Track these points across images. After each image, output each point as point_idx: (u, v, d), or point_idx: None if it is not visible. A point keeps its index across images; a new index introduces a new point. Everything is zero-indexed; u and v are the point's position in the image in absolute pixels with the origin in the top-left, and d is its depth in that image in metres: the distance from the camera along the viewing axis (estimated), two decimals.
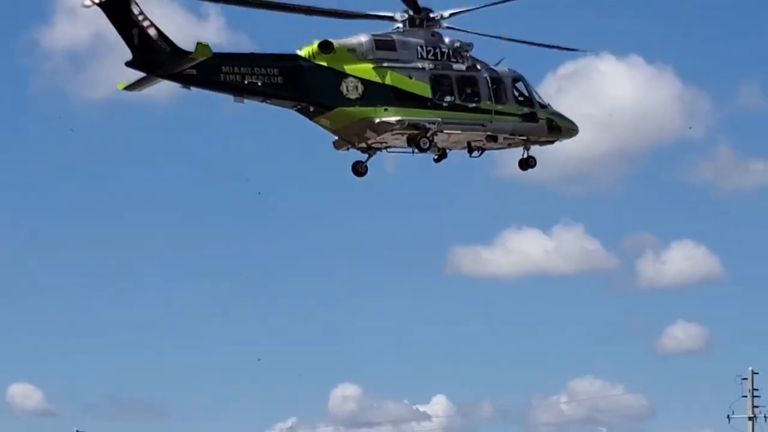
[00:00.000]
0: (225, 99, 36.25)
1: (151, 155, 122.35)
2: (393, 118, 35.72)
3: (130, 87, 35.67)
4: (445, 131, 36.38)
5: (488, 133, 37.14)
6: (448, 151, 38.14)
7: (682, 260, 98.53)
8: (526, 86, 38.40)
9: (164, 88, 36.78)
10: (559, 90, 59.68)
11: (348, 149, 37.45)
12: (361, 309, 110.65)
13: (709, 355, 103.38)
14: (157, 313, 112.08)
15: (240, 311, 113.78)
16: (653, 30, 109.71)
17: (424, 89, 36.34)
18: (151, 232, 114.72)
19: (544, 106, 38.47)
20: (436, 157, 38.29)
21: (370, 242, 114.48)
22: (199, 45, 33.64)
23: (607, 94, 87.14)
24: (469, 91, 36.98)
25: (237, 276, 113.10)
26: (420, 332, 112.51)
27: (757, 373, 77.16)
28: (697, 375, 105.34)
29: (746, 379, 77.02)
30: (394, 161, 40.66)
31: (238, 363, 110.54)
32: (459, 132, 36.72)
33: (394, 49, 36.52)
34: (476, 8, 36.95)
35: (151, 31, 33.98)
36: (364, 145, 37.04)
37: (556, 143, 39.34)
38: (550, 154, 41.04)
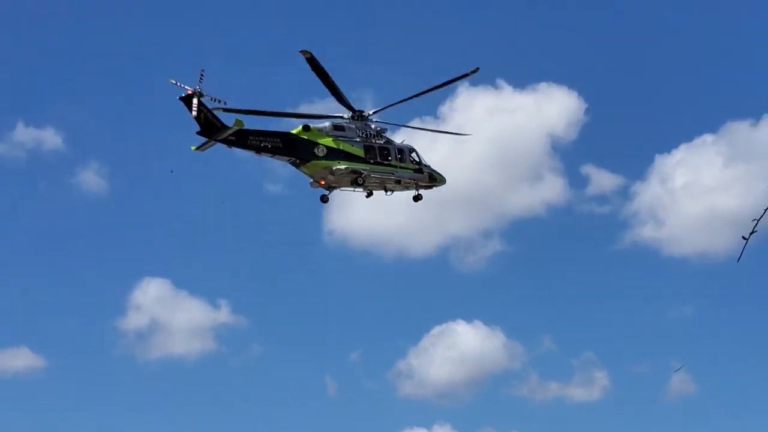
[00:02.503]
0: None
1: None
2: (343, 166, 63.79)
3: (199, 148, 62.57)
4: (372, 175, 64.59)
5: (395, 178, 65.50)
6: (374, 191, 66.20)
7: None
8: (417, 154, 67.10)
9: None
10: None
11: (318, 187, 65.21)
12: None
13: None
14: None
15: None
16: None
17: (360, 152, 64.58)
18: None
19: (426, 165, 67.23)
20: (366, 194, 66.35)
21: None
22: (237, 120, 60.87)
23: None
24: (384, 154, 65.53)
25: None
26: None
27: None
28: None
29: None
30: None
31: None
32: (379, 176, 64.94)
33: (344, 130, 64.84)
34: (388, 106, 65.53)
35: (210, 115, 61.03)
36: (326, 184, 64.90)
37: (434, 188, 67.88)
38: None
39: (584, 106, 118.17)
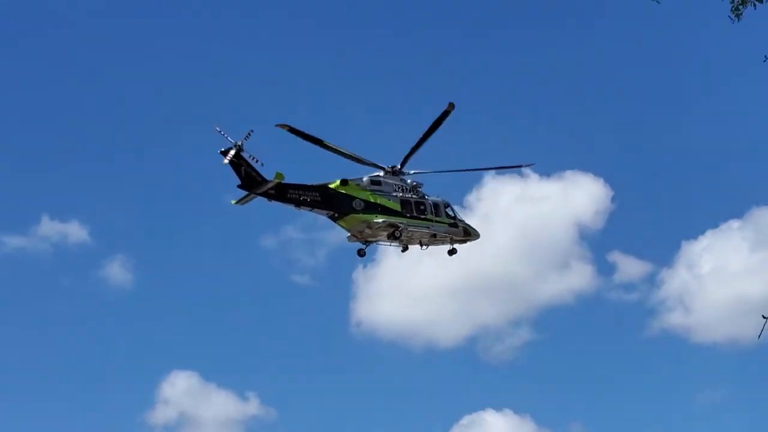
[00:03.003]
0: None
1: None
2: (380, 220, 64.96)
3: (239, 202, 63.78)
4: (408, 228, 65.73)
5: (431, 232, 66.64)
6: (409, 245, 67.33)
7: None
8: (452, 208, 68.35)
9: None
10: None
11: (355, 241, 66.30)
12: None
13: None
14: None
15: None
16: None
17: (396, 206, 65.84)
18: None
19: (461, 220, 68.42)
20: (402, 249, 67.42)
21: None
22: (278, 173, 62.06)
23: None
24: (421, 208, 66.74)
25: None
26: None
27: None
28: None
29: None
30: None
31: None
32: (415, 229, 66.08)
33: (380, 185, 66.17)
34: (425, 172, 67.09)
35: (250, 170, 62.32)
36: (363, 238, 65.98)
37: (468, 243, 69.02)
38: None
39: (611, 193, 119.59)
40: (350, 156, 64.95)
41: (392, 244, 66.72)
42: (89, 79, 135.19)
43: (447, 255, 68.58)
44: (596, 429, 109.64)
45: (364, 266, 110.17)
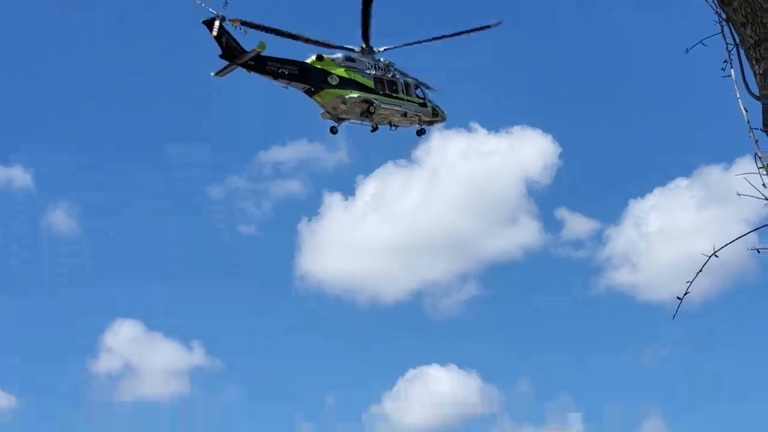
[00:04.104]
0: None
1: None
2: (355, 95, 66.66)
3: (218, 73, 64.92)
4: (381, 106, 67.56)
5: (402, 110, 68.58)
6: (379, 125, 69.16)
7: None
8: (422, 89, 70.35)
9: None
10: None
11: (328, 118, 67.96)
12: None
13: None
14: None
15: None
16: None
17: (370, 83, 67.58)
18: None
19: (430, 101, 70.50)
20: (371, 128, 69.28)
21: None
22: (261, 42, 62.91)
23: None
24: (393, 87, 68.59)
25: None
26: None
27: None
28: None
29: None
30: None
31: None
32: (387, 107, 67.94)
33: (355, 62, 67.84)
34: (399, 46, 68.88)
35: (231, 40, 63.50)
36: (336, 115, 67.69)
37: (435, 125, 71.12)
38: None
39: (559, 149, 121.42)
40: (315, 42, 66.37)
41: (363, 122, 68.49)
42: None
43: (416, 135, 70.64)
44: (542, 385, 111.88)
45: (309, 219, 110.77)
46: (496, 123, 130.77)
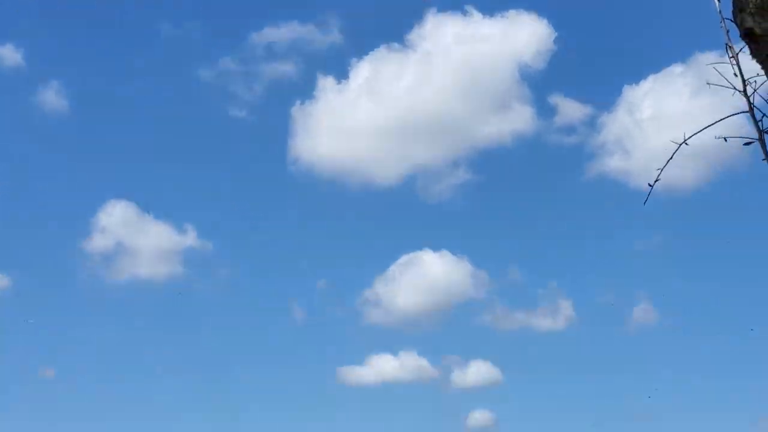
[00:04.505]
0: None
1: None
2: None
3: None
4: None
5: None
6: None
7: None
8: None
9: None
10: None
11: None
12: None
13: None
14: None
15: None
16: None
17: None
18: None
19: None
20: None
21: None
22: None
23: None
24: None
25: None
26: None
27: None
28: None
29: None
30: None
31: None
32: None
33: None
34: None
35: None
36: None
37: None
38: None
39: (554, 34, 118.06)
40: None
41: None
42: None
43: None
44: (531, 271, 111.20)
45: (302, 102, 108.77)
46: (491, 6, 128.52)
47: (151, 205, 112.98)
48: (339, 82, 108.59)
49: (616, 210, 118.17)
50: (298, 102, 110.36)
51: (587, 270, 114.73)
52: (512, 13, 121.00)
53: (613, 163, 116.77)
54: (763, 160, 7.97)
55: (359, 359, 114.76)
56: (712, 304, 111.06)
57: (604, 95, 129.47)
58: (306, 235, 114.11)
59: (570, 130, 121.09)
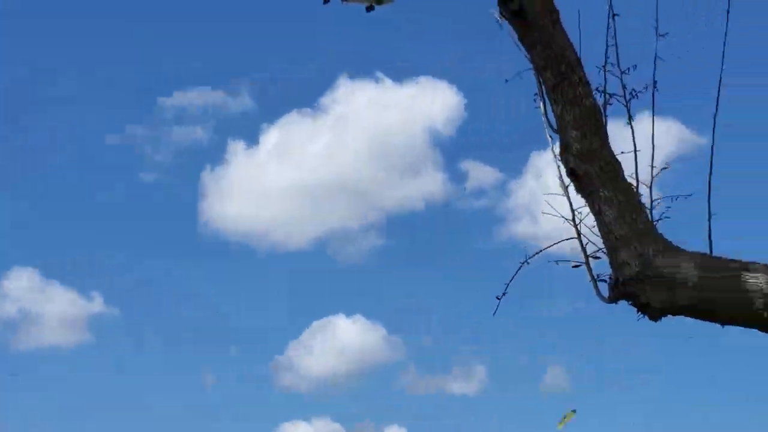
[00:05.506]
0: None
1: None
2: None
3: None
4: None
5: None
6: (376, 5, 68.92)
7: None
8: None
9: None
10: None
11: None
12: None
13: None
14: None
15: None
16: None
17: None
18: None
19: None
20: (367, 6, 69.06)
21: None
22: None
23: None
24: None
25: None
26: None
27: None
28: None
29: None
30: None
31: None
32: None
33: None
34: None
35: None
36: None
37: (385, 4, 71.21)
38: None
39: (464, 101, 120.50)
40: None
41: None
42: None
43: (365, 12, 70.43)
44: (445, 336, 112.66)
45: (212, 167, 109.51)
46: (402, 73, 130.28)
47: (57, 271, 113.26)
48: (249, 147, 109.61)
49: (526, 275, 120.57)
50: (208, 166, 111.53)
51: (501, 334, 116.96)
52: (423, 79, 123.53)
53: (521, 228, 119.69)
54: (589, 281, 8.55)
55: (271, 427, 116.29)
56: (621, 369, 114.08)
57: (512, 161, 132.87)
58: (217, 301, 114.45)
59: (480, 194, 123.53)
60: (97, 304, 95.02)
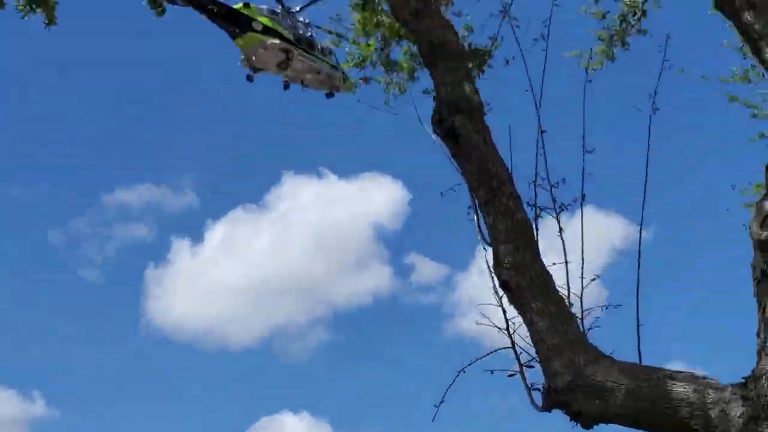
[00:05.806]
0: None
1: None
2: (276, 41, 67.08)
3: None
4: (299, 58, 68.04)
5: (317, 68, 69.18)
6: (291, 83, 69.53)
7: None
8: (335, 57, 70.92)
9: None
10: None
11: (246, 66, 68.14)
12: None
13: None
14: None
15: None
16: None
17: (290, 37, 68.05)
18: None
19: (341, 68, 71.11)
20: (284, 85, 69.64)
21: None
22: None
23: None
24: (311, 45, 69.11)
25: None
26: None
27: None
28: None
29: None
30: None
31: None
32: (304, 61, 68.50)
33: (278, 16, 68.16)
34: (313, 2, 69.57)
35: None
36: (254, 64, 67.91)
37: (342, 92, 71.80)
38: None
39: (408, 196, 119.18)
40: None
41: (279, 73, 68.59)
42: None
43: (325, 98, 70.85)
44: (392, 430, 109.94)
45: (156, 265, 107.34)
46: (346, 169, 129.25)
47: None
48: (194, 244, 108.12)
49: (473, 370, 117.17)
50: (151, 264, 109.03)
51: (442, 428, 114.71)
52: (367, 175, 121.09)
53: (467, 324, 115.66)
54: (525, 389, 8.69)
55: None
56: None
57: (458, 256, 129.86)
58: (159, 401, 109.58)
59: (427, 289, 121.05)
60: (39, 406, 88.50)
